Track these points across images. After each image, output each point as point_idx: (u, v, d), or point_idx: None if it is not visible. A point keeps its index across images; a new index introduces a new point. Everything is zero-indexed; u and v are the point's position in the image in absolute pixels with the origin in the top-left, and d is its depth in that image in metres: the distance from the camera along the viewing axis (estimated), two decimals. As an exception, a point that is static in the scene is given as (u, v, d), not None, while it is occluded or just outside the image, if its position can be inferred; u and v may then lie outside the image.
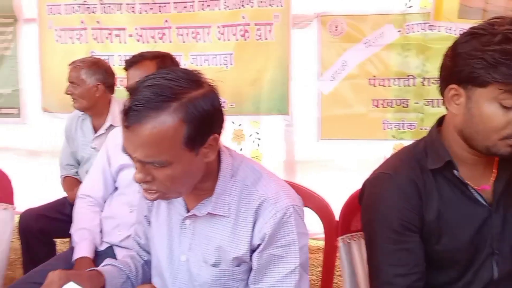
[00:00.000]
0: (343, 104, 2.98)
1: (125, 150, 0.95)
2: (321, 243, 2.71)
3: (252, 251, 1.05)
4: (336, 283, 2.42)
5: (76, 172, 2.50)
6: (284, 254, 1.03)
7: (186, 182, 1.00)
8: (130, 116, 0.90)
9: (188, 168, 0.97)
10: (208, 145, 0.98)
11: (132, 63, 1.69)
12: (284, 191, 1.06)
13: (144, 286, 0.95)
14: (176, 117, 0.90)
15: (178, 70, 0.98)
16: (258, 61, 2.99)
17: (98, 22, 3.19)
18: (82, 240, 1.68)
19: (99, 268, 1.18)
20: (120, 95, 2.78)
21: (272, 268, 1.04)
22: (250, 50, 2.98)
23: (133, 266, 1.25)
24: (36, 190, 2.82)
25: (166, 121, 0.90)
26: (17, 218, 2.05)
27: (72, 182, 2.41)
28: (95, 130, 2.36)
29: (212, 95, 0.97)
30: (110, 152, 1.79)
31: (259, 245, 1.03)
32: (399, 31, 2.85)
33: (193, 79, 0.96)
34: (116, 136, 1.81)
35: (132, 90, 0.94)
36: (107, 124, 2.31)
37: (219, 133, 1.00)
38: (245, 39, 2.97)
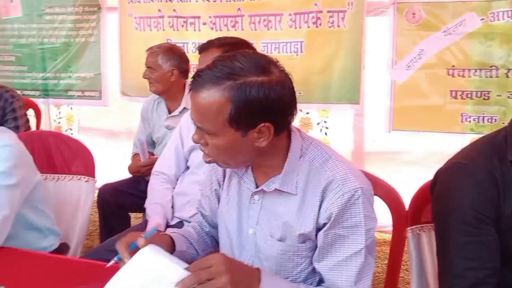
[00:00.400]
0: (418, 95, 2.86)
1: (191, 114, 1.04)
2: (387, 236, 2.65)
3: (318, 229, 1.06)
4: (402, 277, 2.35)
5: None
6: (349, 234, 1.03)
7: (233, 157, 1.06)
8: (194, 81, 1.00)
9: (232, 145, 1.01)
10: (259, 130, 1.00)
11: (201, 49, 1.75)
12: (353, 173, 1.06)
13: (216, 255, 0.97)
14: (225, 95, 0.96)
15: (249, 54, 1.02)
16: (329, 49, 2.94)
17: (174, 11, 3.31)
18: (155, 214, 1.78)
19: (168, 233, 1.25)
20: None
21: (337, 247, 1.04)
22: (321, 38, 2.95)
23: (195, 235, 1.32)
24: (114, 167, 3.00)
25: (214, 95, 0.96)
26: (96, 193, 2.20)
27: (138, 160, 2.52)
28: (169, 112, 2.47)
29: (273, 86, 0.97)
30: (183, 133, 1.87)
31: (325, 224, 1.04)
32: (482, 19, 2.67)
33: (260, 66, 0.98)
34: (189, 118, 1.89)
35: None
36: (181, 107, 2.41)
37: (277, 123, 1.01)
38: (317, 27, 2.94)
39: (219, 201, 1.28)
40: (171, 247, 1.17)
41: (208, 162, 1.09)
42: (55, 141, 1.86)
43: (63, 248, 1.68)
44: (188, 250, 1.25)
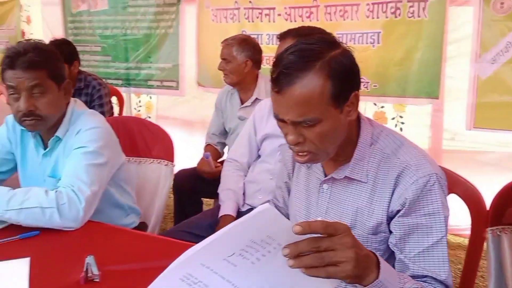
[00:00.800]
0: (502, 91, 2.66)
1: (276, 116, 1.02)
2: (462, 240, 2.52)
3: (390, 218, 1.05)
4: (476, 283, 2.23)
5: (218, 142, 2.71)
6: (429, 223, 1.01)
7: (334, 141, 1.05)
8: (280, 81, 0.98)
9: (335, 126, 1.01)
10: (350, 103, 1.02)
11: (280, 37, 1.77)
12: (427, 159, 1.04)
13: (341, 223, 0.79)
14: (322, 75, 0.96)
15: (315, 36, 1.05)
16: (408, 40, 2.83)
17: (250, 2, 3.36)
18: (227, 200, 1.85)
19: None
20: (267, 72, 2.92)
21: (417, 237, 1.02)
22: (400, 29, 2.84)
23: None
24: (188, 155, 3.13)
25: (312, 79, 0.96)
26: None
27: (209, 149, 2.62)
28: (242, 103, 2.53)
29: (349, 53, 1.02)
30: (257, 122, 1.91)
31: (398, 211, 1.03)
32: None
33: (330, 41, 1.03)
34: (263, 108, 1.93)
35: (277, 60, 1.01)
36: (253, 98, 2.46)
37: (359, 90, 1.04)
38: (396, 17, 2.84)
39: (289, 194, 1.30)
40: None
41: (305, 162, 1.06)
42: (138, 126, 1.98)
43: (142, 227, 1.79)
44: None
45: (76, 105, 1.56)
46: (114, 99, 3.33)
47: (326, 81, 0.97)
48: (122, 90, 3.88)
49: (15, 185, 1.51)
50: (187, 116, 3.92)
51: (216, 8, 3.51)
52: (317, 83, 0.96)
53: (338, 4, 3.01)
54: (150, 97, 4.11)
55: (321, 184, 1.16)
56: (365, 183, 1.08)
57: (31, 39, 1.53)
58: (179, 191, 2.48)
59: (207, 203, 3.04)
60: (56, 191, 1.33)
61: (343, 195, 1.12)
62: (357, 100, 1.04)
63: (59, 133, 1.49)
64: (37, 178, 1.55)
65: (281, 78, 0.97)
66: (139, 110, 4.18)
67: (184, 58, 3.78)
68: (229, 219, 1.76)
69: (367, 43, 2.94)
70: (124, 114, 3.66)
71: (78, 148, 1.43)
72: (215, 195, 2.62)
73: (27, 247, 1.24)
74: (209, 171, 2.34)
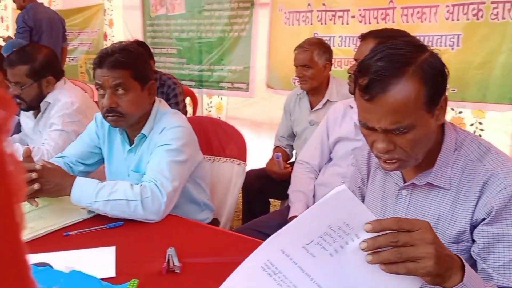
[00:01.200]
0: None
1: (365, 124, 1.00)
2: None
3: (474, 226, 1.02)
4: None
5: (286, 144, 2.73)
6: None
7: (424, 147, 1.02)
8: (372, 88, 0.95)
9: (427, 131, 0.99)
10: (440, 106, 1.00)
11: (362, 37, 1.75)
12: None
13: (421, 220, 0.81)
14: (415, 80, 0.94)
15: (400, 40, 1.02)
16: (490, 43, 2.68)
17: (323, 5, 3.34)
18: (297, 201, 1.86)
19: None
20: (339, 74, 2.89)
21: (503, 247, 0.98)
22: (482, 31, 2.69)
23: None
24: (256, 155, 3.18)
25: (407, 85, 0.94)
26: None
27: (278, 151, 2.60)
28: (312, 107, 2.53)
29: (437, 56, 1.00)
30: (330, 124, 1.90)
31: (483, 219, 0.99)
32: None
33: (416, 45, 1.01)
34: (337, 110, 1.92)
35: (364, 67, 0.98)
36: (324, 100, 2.44)
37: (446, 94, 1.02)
38: (477, 19, 2.70)
39: (362, 199, 1.29)
40: None
41: (393, 170, 1.04)
42: (213, 126, 2.05)
43: (215, 223, 1.85)
44: None
45: (161, 105, 1.64)
46: (187, 100, 3.47)
47: (420, 86, 0.95)
48: (195, 91, 4.01)
49: (101, 177, 1.62)
50: (256, 117, 3.98)
51: (288, 11, 3.54)
52: (412, 88, 0.94)
53: (416, 6, 2.91)
54: (221, 98, 4.23)
55: (400, 190, 1.13)
56: (448, 190, 1.05)
57: (122, 41, 1.64)
58: (248, 191, 2.53)
59: (273, 204, 3.08)
60: (140, 185, 1.41)
61: (423, 202, 1.09)
62: (446, 103, 1.02)
63: (144, 130, 1.58)
64: (122, 172, 1.66)
65: (373, 85, 0.95)
66: (210, 111, 4.31)
67: (255, 60, 3.84)
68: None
69: (446, 46, 2.82)
70: (197, 114, 3.79)
71: (162, 145, 1.51)
72: (282, 196, 2.65)
73: (112, 236, 1.32)
74: (278, 171, 2.36)
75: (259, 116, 3.97)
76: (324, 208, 0.78)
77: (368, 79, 0.96)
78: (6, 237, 0.27)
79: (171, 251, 1.15)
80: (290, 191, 1.95)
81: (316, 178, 1.95)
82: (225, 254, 1.22)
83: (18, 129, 2.33)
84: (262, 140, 3.65)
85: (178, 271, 1.11)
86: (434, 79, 0.96)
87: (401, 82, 0.94)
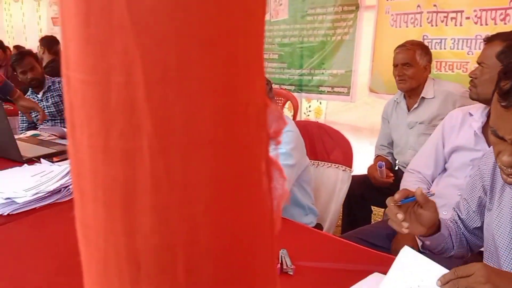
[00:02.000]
0: None
1: (495, 132, 0.95)
2: None
3: None
4: None
5: (388, 153, 2.64)
6: None
7: None
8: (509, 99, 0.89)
9: None
10: None
11: (487, 39, 1.64)
12: None
13: (477, 264, 0.92)
14: None
15: None
16: None
17: (434, 6, 3.17)
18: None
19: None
20: (451, 78, 2.73)
21: None
22: None
23: (454, 229, 1.28)
24: (356, 161, 3.11)
25: None
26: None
27: (375, 170, 2.53)
28: (409, 109, 2.45)
29: None
30: (446, 132, 1.80)
31: None
32: None
33: None
34: (454, 117, 1.81)
35: (509, 71, 0.92)
36: (419, 98, 2.36)
37: None
38: None
39: (480, 210, 1.21)
40: (435, 224, 1.17)
41: None
42: (318, 131, 2.05)
43: (318, 228, 1.85)
44: (446, 238, 1.23)
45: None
46: (287, 104, 3.51)
47: None
48: (294, 96, 4.05)
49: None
50: (356, 122, 3.90)
51: (396, 13, 3.42)
52: None
53: (543, 4, 2.65)
54: (320, 103, 4.20)
55: None
56: None
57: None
58: (349, 197, 2.48)
59: (375, 211, 2.98)
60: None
61: None
62: None
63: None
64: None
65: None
66: (308, 115, 4.31)
67: (358, 64, 3.76)
68: (408, 236, 1.69)
69: None
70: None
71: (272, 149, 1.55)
72: (385, 205, 2.55)
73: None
74: (379, 179, 2.30)
75: (359, 121, 3.88)
76: (400, 273, 0.97)
77: (509, 87, 0.89)
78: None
79: (283, 252, 1.17)
80: (397, 200, 1.87)
81: (429, 189, 1.85)
82: (336, 260, 1.21)
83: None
84: (362, 145, 3.56)
85: (291, 273, 1.12)
86: None
87: None
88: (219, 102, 0.21)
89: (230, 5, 0.20)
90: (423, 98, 2.36)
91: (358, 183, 2.50)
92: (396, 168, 2.59)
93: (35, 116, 3.03)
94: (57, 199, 1.65)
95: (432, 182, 1.85)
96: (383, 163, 2.37)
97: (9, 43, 7.68)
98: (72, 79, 0.21)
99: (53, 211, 1.58)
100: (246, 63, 0.22)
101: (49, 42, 4.30)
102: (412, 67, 2.35)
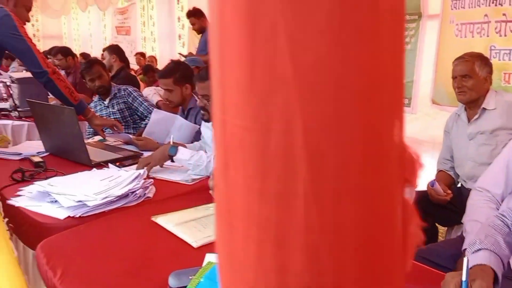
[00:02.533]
0: None
1: None
2: None
3: None
4: None
5: (450, 167, 2.54)
6: None
7: None
8: None
9: None
10: None
11: None
12: None
13: None
14: None
15: None
16: None
17: (504, 15, 3.03)
18: (474, 232, 1.70)
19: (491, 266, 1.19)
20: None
21: None
22: None
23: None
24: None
25: None
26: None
27: (442, 176, 2.48)
28: (469, 121, 2.37)
29: None
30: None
31: None
32: None
33: None
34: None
35: None
36: (480, 109, 2.29)
37: None
38: None
39: None
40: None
41: None
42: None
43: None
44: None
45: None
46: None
47: None
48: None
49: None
50: (417, 134, 3.78)
51: (461, 23, 3.30)
52: None
53: None
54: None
55: None
56: None
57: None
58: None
59: (441, 231, 2.87)
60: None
61: None
62: None
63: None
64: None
65: None
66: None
67: (420, 74, 3.66)
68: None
69: None
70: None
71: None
72: (448, 222, 2.47)
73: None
74: (435, 195, 2.26)
75: (420, 133, 3.76)
76: None
77: None
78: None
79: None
80: (465, 220, 1.79)
81: (498, 209, 1.75)
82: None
83: (198, 137, 2.60)
84: (424, 159, 3.44)
85: None
86: None
87: None
88: (368, 148, 0.22)
89: (381, 57, 0.21)
90: (484, 109, 2.29)
91: (420, 198, 2.43)
92: (459, 185, 2.49)
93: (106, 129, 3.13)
94: (124, 204, 1.72)
95: (502, 201, 1.75)
96: (435, 181, 2.31)
97: (76, 50, 8.15)
98: (229, 124, 0.23)
99: (120, 214, 1.64)
100: (391, 108, 0.22)
101: (119, 51, 4.51)
102: (471, 79, 2.30)
